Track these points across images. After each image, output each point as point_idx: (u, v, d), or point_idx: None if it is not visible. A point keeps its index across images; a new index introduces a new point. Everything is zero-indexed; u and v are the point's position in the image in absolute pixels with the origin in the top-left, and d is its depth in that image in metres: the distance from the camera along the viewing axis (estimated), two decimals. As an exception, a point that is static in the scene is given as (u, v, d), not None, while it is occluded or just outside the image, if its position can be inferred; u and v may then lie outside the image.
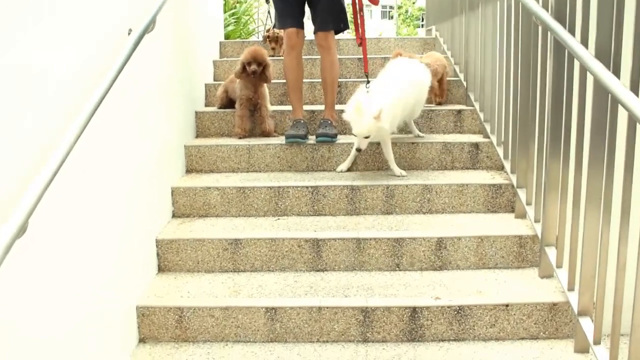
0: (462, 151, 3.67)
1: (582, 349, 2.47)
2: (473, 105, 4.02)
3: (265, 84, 3.97)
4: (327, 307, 2.61)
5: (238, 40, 5.46)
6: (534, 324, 2.61)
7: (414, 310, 2.60)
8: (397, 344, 2.60)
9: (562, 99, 2.63)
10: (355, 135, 3.28)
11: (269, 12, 5.04)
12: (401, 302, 2.62)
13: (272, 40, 5.13)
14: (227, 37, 5.97)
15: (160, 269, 3.05)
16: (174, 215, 3.40)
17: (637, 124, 2.05)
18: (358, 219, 3.27)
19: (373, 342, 2.62)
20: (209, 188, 3.39)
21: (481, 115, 3.85)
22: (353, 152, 3.52)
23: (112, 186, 2.50)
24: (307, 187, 3.34)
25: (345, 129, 3.90)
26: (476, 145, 3.67)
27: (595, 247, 2.34)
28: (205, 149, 3.77)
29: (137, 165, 2.82)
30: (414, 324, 2.60)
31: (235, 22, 6.53)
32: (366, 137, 3.26)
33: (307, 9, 3.88)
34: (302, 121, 3.81)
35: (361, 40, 3.65)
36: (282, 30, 4.63)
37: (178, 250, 3.04)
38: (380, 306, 2.61)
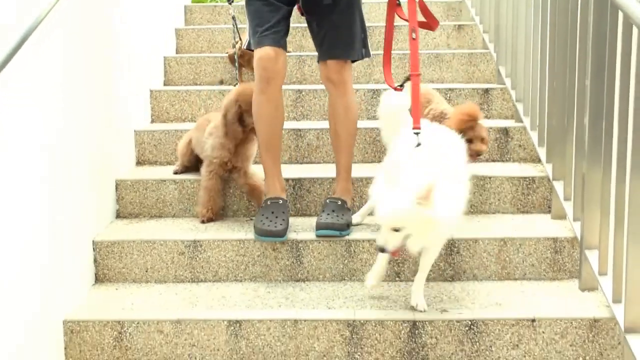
0: (488, 139, 3.80)
1: (631, 376, 2.59)
2: (504, 83, 4.17)
3: (254, 139, 3.42)
4: (305, 321, 2.74)
5: (210, 4, 5.64)
6: (570, 345, 2.73)
7: (414, 325, 2.72)
8: (393, 367, 2.72)
9: (604, 65, 2.77)
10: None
11: (233, 18, 3.99)
12: (398, 316, 2.75)
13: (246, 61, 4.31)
14: (196, -1, 6.15)
15: (98, 279, 3.19)
16: (118, 215, 3.55)
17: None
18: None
19: (363, 365, 2.75)
20: (164, 181, 3.55)
21: (513, 94, 4.00)
22: (379, 256, 2.93)
23: (28, 175, 2.64)
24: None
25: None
26: (505, 131, 3.82)
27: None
28: (161, 135, 3.94)
29: (67, 149, 2.96)
30: (414, 343, 2.73)
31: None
32: (396, 230, 2.53)
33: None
34: (280, 201, 3.24)
35: (406, 80, 2.98)
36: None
37: (121, 255, 3.18)
38: (372, 319, 2.74)
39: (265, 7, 3.16)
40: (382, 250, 2.55)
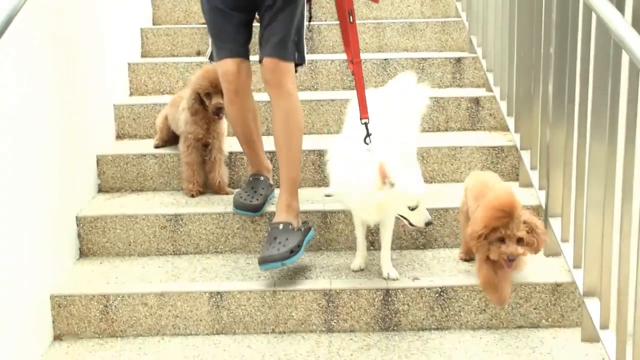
0: (459, 108, 3.95)
1: (591, 337, 2.77)
2: (476, 52, 4.29)
3: (223, 119, 3.59)
4: (284, 291, 2.90)
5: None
6: (534, 309, 2.91)
7: (387, 293, 2.89)
8: (367, 333, 2.89)
9: (567, 40, 2.91)
10: (413, 209, 2.78)
11: None
12: (372, 284, 2.91)
13: None
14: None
15: (83, 254, 3.32)
16: (100, 190, 3.67)
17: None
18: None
19: (339, 331, 2.91)
20: (144, 155, 3.67)
21: (484, 63, 4.13)
22: (359, 239, 3.08)
23: (9, 152, 2.75)
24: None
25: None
26: (476, 101, 3.95)
27: (601, 217, 2.63)
28: (140, 108, 4.04)
29: (47, 126, 3.07)
30: (387, 310, 2.89)
31: None
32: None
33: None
34: (261, 178, 3.36)
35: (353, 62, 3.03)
36: None
37: (105, 230, 3.31)
38: (348, 288, 2.90)
39: (220, 17, 3.13)
40: (432, 222, 2.83)
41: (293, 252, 2.91)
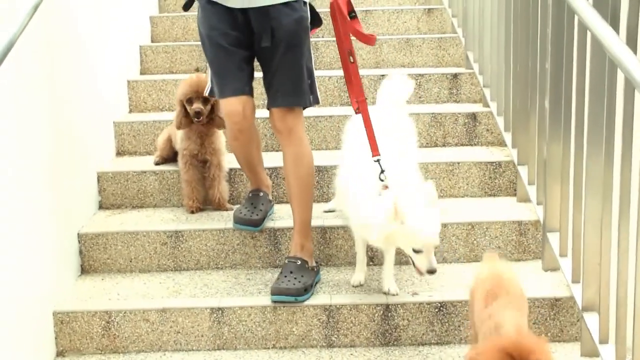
0: (456, 124, 3.99)
1: (590, 352, 2.79)
2: (472, 68, 4.33)
3: (219, 131, 3.61)
4: (284, 306, 2.92)
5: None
6: (533, 323, 2.93)
7: (387, 308, 2.91)
8: (367, 348, 2.91)
9: (562, 59, 2.95)
10: (417, 251, 2.73)
11: None
12: (372, 300, 2.94)
13: None
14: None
15: (84, 270, 3.34)
16: (101, 207, 3.69)
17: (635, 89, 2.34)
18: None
19: (339, 347, 2.93)
20: (144, 172, 3.69)
21: (481, 79, 4.17)
22: (359, 255, 3.12)
23: (13, 172, 2.78)
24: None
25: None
26: (473, 116, 3.99)
27: (599, 231, 2.66)
28: (139, 125, 4.06)
29: (49, 144, 3.09)
30: (387, 325, 2.91)
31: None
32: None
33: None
34: (260, 194, 3.39)
35: (358, 104, 2.99)
36: None
37: (106, 247, 3.33)
38: (348, 304, 2.92)
39: (222, 54, 3.04)
40: (434, 271, 2.72)
41: (307, 290, 2.97)
